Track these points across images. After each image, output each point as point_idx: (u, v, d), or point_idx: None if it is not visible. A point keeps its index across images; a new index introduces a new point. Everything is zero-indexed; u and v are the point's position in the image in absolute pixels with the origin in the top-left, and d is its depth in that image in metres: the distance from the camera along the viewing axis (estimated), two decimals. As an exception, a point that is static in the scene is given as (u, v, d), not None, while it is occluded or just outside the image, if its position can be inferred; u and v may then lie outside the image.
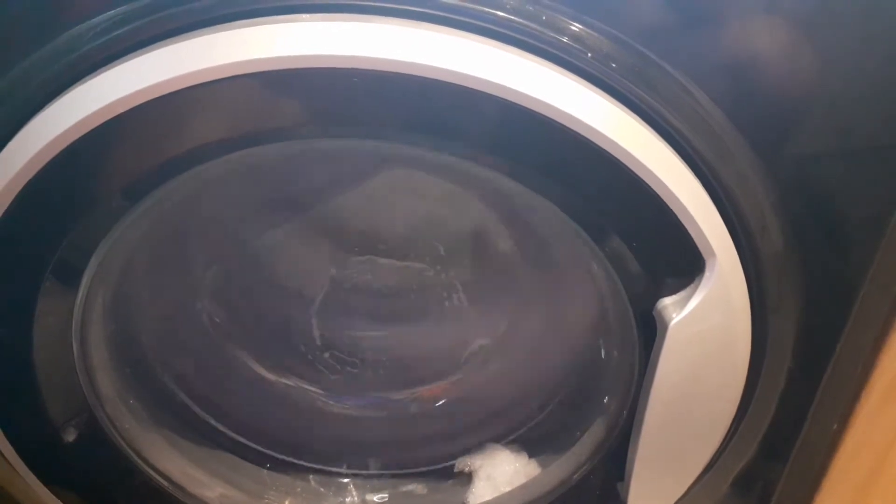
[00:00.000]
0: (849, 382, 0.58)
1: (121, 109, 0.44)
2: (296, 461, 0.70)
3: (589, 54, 0.45)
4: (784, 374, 0.56)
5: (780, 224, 0.50)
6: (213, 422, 0.69)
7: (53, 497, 0.60)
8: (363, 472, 0.71)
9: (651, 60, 0.45)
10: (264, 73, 0.44)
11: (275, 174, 0.60)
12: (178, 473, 0.64)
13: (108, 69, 0.45)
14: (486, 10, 0.44)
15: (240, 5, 0.44)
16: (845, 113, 0.47)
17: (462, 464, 0.69)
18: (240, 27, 0.44)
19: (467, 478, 0.68)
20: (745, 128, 0.47)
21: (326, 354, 0.71)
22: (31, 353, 0.53)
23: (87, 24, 0.45)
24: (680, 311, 0.49)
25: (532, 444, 0.67)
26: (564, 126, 0.44)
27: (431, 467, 0.70)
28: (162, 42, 0.45)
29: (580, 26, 0.45)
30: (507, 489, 0.66)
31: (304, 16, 0.44)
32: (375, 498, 0.70)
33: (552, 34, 0.44)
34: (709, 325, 0.50)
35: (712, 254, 0.48)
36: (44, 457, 0.58)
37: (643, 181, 0.45)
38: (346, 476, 0.71)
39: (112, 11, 0.45)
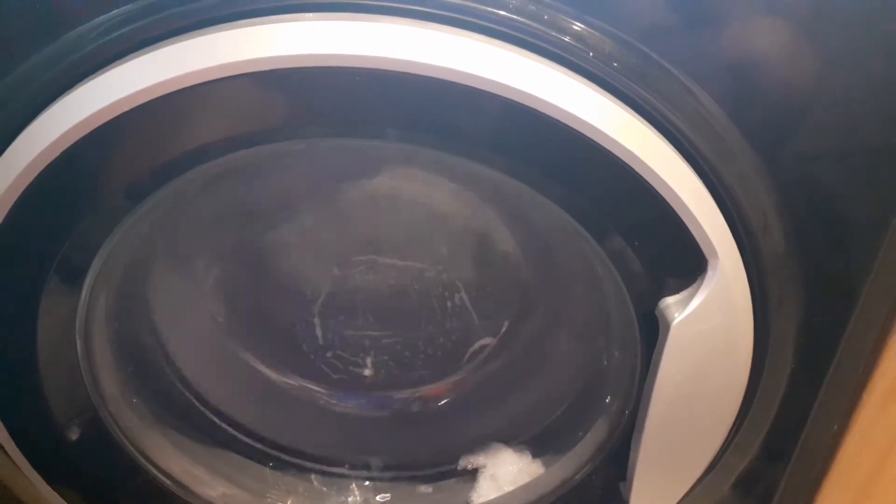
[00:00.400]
0: (850, 383, 0.58)
1: (124, 109, 0.44)
2: (298, 460, 0.70)
3: (591, 54, 0.45)
4: (786, 375, 0.56)
5: (782, 224, 0.50)
6: (215, 421, 0.69)
7: (56, 495, 0.60)
8: (366, 471, 0.71)
9: (653, 60, 0.45)
10: (266, 72, 0.44)
11: (277, 173, 0.60)
12: (180, 472, 0.64)
13: (111, 69, 0.45)
14: (489, 9, 0.44)
15: (241, 5, 0.45)
16: (847, 113, 0.47)
17: (465, 462, 0.69)
18: (241, 27, 0.44)
19: (470, 477, 0.68)
20: (746, 128, 0.47)
21: (329, 354, 0.71)
22: (34, 352, 0.53)
23: (90, 25, 0.46)
24: (682, 311, 0.49)
25: (535, 443, 0.67)
26: (566, 125, 0.44)
27: (434, 467, 0.70)
28: (164, 42, 0.45)
29: (582, 26, 0.45)
30: (511, 488, 0.66)
31: (306, 15, 0.44)
32: (378, 497, 0.70)
33: (554, 34, 0.44)
34: (711, 324, 0.50)
35: (714, 254, 0.48)
36: (47, 455, 0.59)
37: (645, 181, 0.45)
38: (349, 475, 0.71)
39: (114, 11, 0.45)
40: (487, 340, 0.70)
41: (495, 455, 0.68)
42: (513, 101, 0.43)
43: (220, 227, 0.64)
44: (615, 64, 0.45)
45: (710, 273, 0.48)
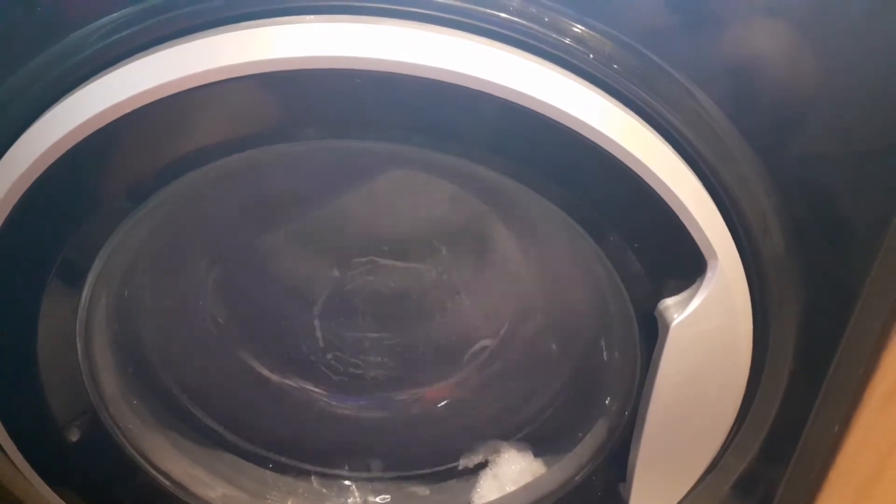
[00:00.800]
0: (850, 384, 0.58)
1: (125, 111, 0.44)
2: (298, 462, 0.70)
3: (591, 56, 0.45)
4: (785, 376, 0.56)
5: (782, 226, 0.50)
6: (215, 422, 0.69)
7: (56, 496, 0.60)
8: (366, 472, 0.71)
9: (653, 62, 0.46)
10: (267, 74, 0.44)
11: (277, 175, 0.60)
12: (180, 473, 0.64)
13: (113, 71, 0.45)
14: (489, 11, 0.44)
15: (244, 7, 0.45)
16: (846, 115, 0.48)
17: (467, 461, 0.69)
18: (243, 29, 0.44)
19: (471, 477, 0.68)
20: (746, 130, 0.47)
21: (329, 355, 0.71)
22: (35, 353, 0.53)
23: (92, 27, 0.46)
24: (681, 312, 0.49)
25: (537, 441, 0.67)
26: (566, 127, 0.44)
27: (434, 468, 0.70)
28: (166, 44, 0.45)
29: (582, 28, 0.45)
30: (513, 488, 0.66)
31: (308, 17, 0.44)
32: (378, 499, 0.70)
33: (555, 36, 0.44)
34: (710, 325, 0.50)
35: (714, 255, 0.48)
36: (47, 456, 0.59)
37: (645, 182, 0.45)
38: (349, 477, 0.71)
39: (117, 13, 0.45)
40: (487, 342, 0.70)
41: (497, 454, 0.68)
42: (513, 102, 0.44)
43: (220, 228, 0.64)
44: (615, 66, 0.45)
45: (709, 274, 0.48)
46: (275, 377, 0.71)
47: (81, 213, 0.49)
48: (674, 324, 0.49)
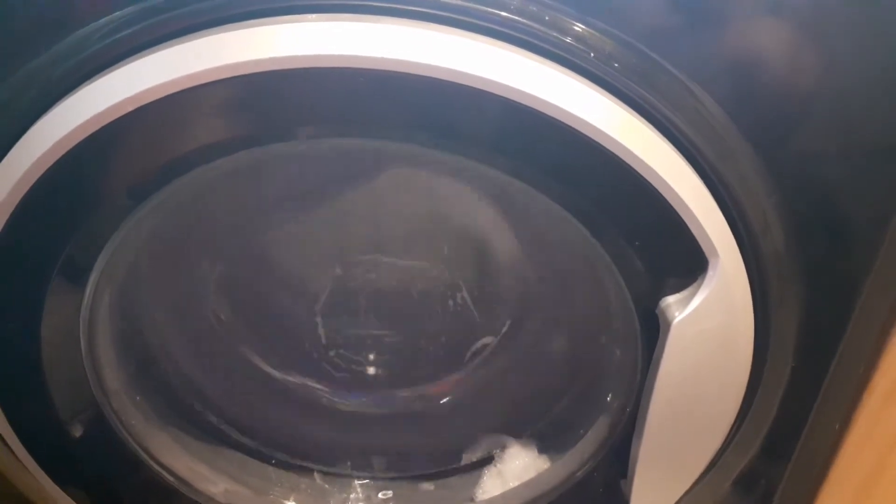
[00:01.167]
0: (851, 382, 0.58)
1: (127, 109, 0.45)
2: (301, 458, 0.71)
3: (592, 54, 0.45)
4: (786, 374, 0.56)
5: (783, 224, 0.50)
6: (218, 419, 0.69)
7: (60, 491, 0.61)
8: (368, 469, 0.71)
9: (654, 61, 0.46)
10: (269, 73, 0.44)
11: (280, 173, 0.60)
12: (183, 469, 0.64)
13: (116, 69, 0.45)
14: (490, 10, 0.44)
15: (246, 6, 0.45)
16: (847, 113, 0.47)
17: (470, 457, 0.69)
18: (245, 27, 0.44)
19: (474, 473, 0.68)
20: (747, 128, 0.47)
21: (331, 353, 0.71)
22: (38, 350, 0.53)
23: (94, 26, 0.46)
24: (682, 310, 0.49)
25: (539, 439, 0.67)
26: (567, 126, 0.44)
27: (437, 464, 0.70)
28: (168, 42, 0.45)
29: (583, 27, 0.45)
30: (516, 483, 0.66)
31: (309, 16, 0.44)
32: (380, 495, 0.70)
33: (556, 34, 0.44)
34: (711, 324, 0.50)
35: (715, 253, 0.48)
36: (51, 452, 0.59)
37: (646, 181, 0.46)
38: (351, 473, 0.71)
39: (119, 12, 0.46)
40: (489, 339, 0.70)
41: (501, 450, 0.68)
42: (514, 101, 0.44)
43: (223, 226, 0.64)
44: (616, 64, 0.45)
45: (710, 272, 0.48)
46: (277, 374, 0.72)
47: (84, 211, 0.49)
48: (675, 322, 0.49)
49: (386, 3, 0.44)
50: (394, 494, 0.70)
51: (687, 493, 0.59)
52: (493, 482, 0.67)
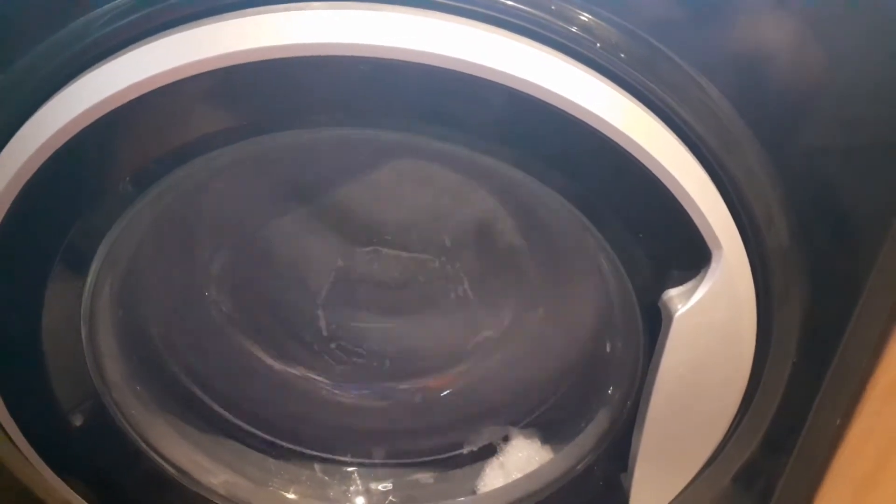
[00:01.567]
0: (853, 377, 0.58)
1: (130, 97, 0.44)
2: (301, 450, 0.71)
3: (598, 44, 0.45)
4: (788, 368, 0.56)
5: (787, 217, 0.50)
6: (218, 410, 0.69)
7: (60, 481, 0.61)
8: (368, 460, 0.71)
9: (660, 51, 0.45)
10: (271, 61, 0.44)
11: (282, 163, 0.60)
12: (183, 460, 0.64)
13: (118, 57, 0.45)
14: (496, -1, 0.44)
15: (249, -7, 0.45)
16: (853, 107, 0.47)
17: (471, 449, 0.69)
18: (248, 15, 0.44)
19: (475, 465, 0.69)
20: (752, 120, 0.47)
21: (332, 345, 0.71)
22: (39, 339, 0.53)
23: (96, 13, 0.46)
24: (685, 303, 0.49)
25: (541, 431, 0.67)
26: (572, 116, 0.44)
27: (437, 456, 0.70)
28: (171, 30, 0.45)
29: (589, 16, 0.45)
30: (518, 475, 0.66)
31: (313, 3, 0.44)
32: (380, 486, 0.70)
33: (561, 23, 0.44)
34: (714, 317, 0.50)
35: (718, 246, 0.48)
36: (51, 441, 0.59)
37: (650, 172, 0.45)
38: (351, 465, 0.71)
39: (120, 0, 0.45)
40: (491, 331, 0.70)
41: (502, 442, 0.68)
42: (518, 91, 0.43)
43: (224, 216, 0.64)
44: (622, 55, 0.45)
45: (713, 265, 0.48)
46: (278, 365, 0.72)
47: (86, 200, 0.49)
48: (677, 315, 0.49)
49: (389, -9, 0.44)
50: (393, 486, 0.70)
51: (687, 487, 0.59)
52: (494, 474, 0.67)
